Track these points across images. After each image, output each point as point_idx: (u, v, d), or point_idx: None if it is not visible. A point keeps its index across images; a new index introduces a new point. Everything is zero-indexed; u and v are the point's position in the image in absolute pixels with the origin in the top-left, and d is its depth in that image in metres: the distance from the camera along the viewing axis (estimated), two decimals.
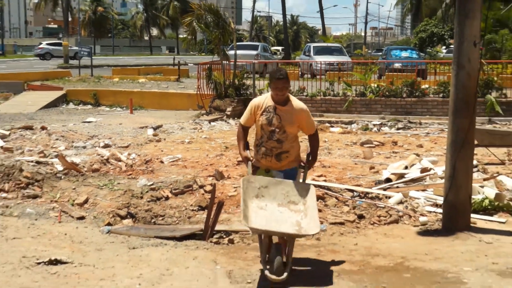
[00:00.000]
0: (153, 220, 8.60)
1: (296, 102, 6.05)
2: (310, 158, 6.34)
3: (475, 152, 8.72)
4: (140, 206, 9.02)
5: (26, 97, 23.82)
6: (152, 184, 10.08)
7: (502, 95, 19.64)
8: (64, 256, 6.47)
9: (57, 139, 14.94)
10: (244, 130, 6.11)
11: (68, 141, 14.70)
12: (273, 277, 5.14)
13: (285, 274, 5.26)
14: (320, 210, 8.66)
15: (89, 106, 23.35)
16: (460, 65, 7.77)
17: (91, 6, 75.58)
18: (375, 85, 21.89)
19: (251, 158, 6.01)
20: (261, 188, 5.71)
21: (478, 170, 10.50)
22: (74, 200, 9.23)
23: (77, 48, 47.01)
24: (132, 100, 21.90)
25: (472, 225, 7.96)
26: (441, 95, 19.73)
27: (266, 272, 5.23)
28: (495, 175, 10.66)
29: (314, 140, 6.30)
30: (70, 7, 62.61)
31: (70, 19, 61.24)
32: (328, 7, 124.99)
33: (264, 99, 6.04)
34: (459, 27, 7.79)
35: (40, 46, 60.57)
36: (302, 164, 6.33)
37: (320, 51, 34.30)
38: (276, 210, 5.82)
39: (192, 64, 35.79)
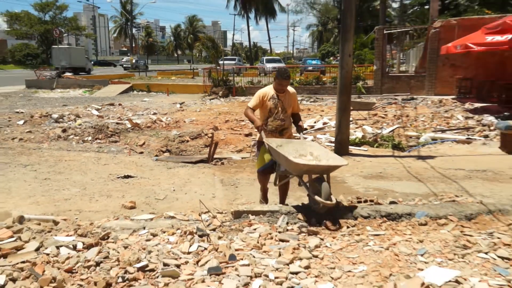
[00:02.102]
0: (180, 153, 9.16)
1: (289, 88, 5.36)
2: (299, 124, 5.42)
3: (351, 113, 9.09)
4: (173, 146, 9.63)
5: (110, 88, 25.89)
6: (179, 134, 10.70)
7: (364, 83, 21.77)
8: (132, 173, 7.16)
9: (127, 110, 16.03)
10: (252, 111, 5.22)
11: (133, 111, 15.79)
12: (328, 202, 4.31)
13: (334, 199, 4.46)
14: None
15: (145, 92, 25.37)
16: (342, 67, 8.35)
17: (145, 38, 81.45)
18: (298, 79, 24.84)
19: (264, 127, 5.15)
20: (277, 146, 4.87)
21: (352, 123, 11.04)
22: (137, 143, 9.94)
23: (138, 61, 51.15)
24: (168, 89, 24.98)
25: (350, 152, 8.44)
26: (333, 84, 21.91)
27: (320, 199, 4.33)
28: (362, 125, 11.42)
29: (299, 116, 5.50)
30: (134, 38, 64.09)
31: (133, 45, 62.36)
32: (272, 37, 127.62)
33: (269, 90, 5.29)
34: (342, 47, 8.30)
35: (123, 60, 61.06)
36: (298, 130, 5.44)
37: (269, 61, 39.18)
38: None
39: (200, 69, 36.99)
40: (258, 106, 5.27)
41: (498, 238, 3.94)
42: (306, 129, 5.33)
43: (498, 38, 12.22)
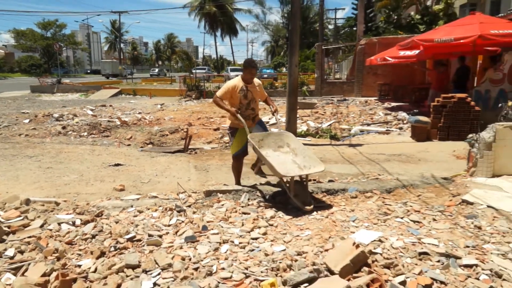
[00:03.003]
0: (161, 145, 8.94)
1: (255, 80, 4.87)
2: (273, 109, 4.96)
3: (298, 112, 9.13)
4: (155, 139, 9.41)
5: (102, 92, 24.96)
6: (160, 129, 10.42)
7: (308, 88, 21.86)
8: (121, 161, 6.93)
9: (117, 110, 15.41)
10: (221, 100, 4.71)
11: (122, 111, 15.16)
12: (307, 207, 3.97)
13: (312, 203, 4.11)
14: None
15: (131, 96, 24.57)
16: (291, 75, 8.38)
17: (131, 51, 79.34)
18: None
19: (238, 111, 4.66)
20: (259, 141, 4.52)
21: (299, 119, 10.84)
22: (125, 137, 9.64)
23: (125, 70, 49.89)
24: (150, 93, 24.06)
25: None
26: (283, 88, 21.45)
27: (300, 204, 4.01)
28: (306, 121, 11.38)
29: (269, 99, 5.08)
30: (122, 51, 62.40)
31: (122, 56, 60.50)
32: (235, 50, 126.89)
33: (238, 82, 4.74)
34: (290, 59, 8.34)
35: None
36: (273, 113, 5.01)
37: (232, 70, 38.62)
38: (274, 155, 4.47)
39: (177, 76, 36.28)
40: (227, 96, 4.74)
41: (411, 206, 4.07)
42: (277, 110, 5.02)
43: (408, 53, 12.58)
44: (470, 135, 5.04)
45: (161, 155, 7.68)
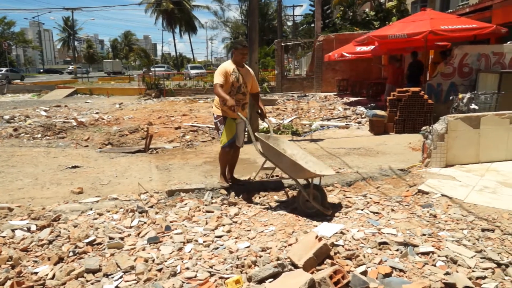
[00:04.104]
0: (121, 145, 8.70)
1: (247, 66, 4.60)
2: (260, 110, 4.67)
3: None
4: (114, 139, 9.12)
5: (56, 92, 24.07)
6: (119, 129, 10.11)
7: (269, 84, 21.86)
8: (79, 163, 6.69)
9: (73, 111, 14.81)
10: (221, 88, 4.23)
11: (78, 111, 14.60)
12: (329, 211, 3.69)
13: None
14: (195, 136, 9.18)
15: (88, 95, 23.73)
16: None
17: (86, 49, 74.51)
18: None
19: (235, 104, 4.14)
20: (283, 149, 4.15)
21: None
22: (82, 138, 9.29)
23: (80, 68, 48.75)
24: (108, 92, 23.37)
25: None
26: None
27: (323, 209, 3.67)
28: (268, 117, 11.34)
29: (259, 96, 4.78)
30: (76, 50, 59.81)
31: (76, 55, 57.93)
32: (195, 48, 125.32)
33: (229, 65, 4.40)
34: (249, 56, 8.09)
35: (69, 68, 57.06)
36: (259, 112, 4.71)
37: (192, 68, 38.45)
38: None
39: (136, 75, 35.35)
40: (224, 82, 4.34)
41: (370, 198, 4.19)
42: (266, 114, 4.73)
43: (364, 48, 12.95)
44: (424, 128, 5.26)
45: (121, 155, 7.48)
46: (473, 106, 7.35)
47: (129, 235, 3.38)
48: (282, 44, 21.78)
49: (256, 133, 4.23)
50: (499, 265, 2.66)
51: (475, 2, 12.05)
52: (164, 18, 56.07)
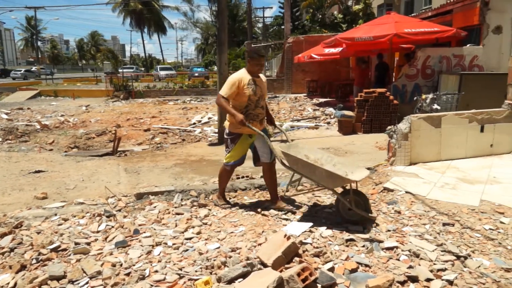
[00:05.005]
0: (87, 148, 8.53)
1: (261, 75, 4.02)
2: (269, 117, 4.30)
3: None
4: (80, 142, 8.94)
5: (18, 94, 23.03)
6: (86, 132, 9.92)
7: None
8: (43, 168, 6.54)
9: (36, 113, 14.36)
10: (227, 102, 3.73)
11: (42, 114, 14.18)
12: (373, 216, 3.43)
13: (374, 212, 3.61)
14: (165, 138, 9.09)
15: (52, 97, 22.74)
16: (221, 73, 8.40)
17: (51, 50, 71.47)
18: (187, 83, 24.31)
19: (246, 119, 3.71)
20: (305, 156, 3.76)
21: None
22: (46, 142, 9.01)
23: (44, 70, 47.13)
24: (74, 94, 22.59)
25: None
26: (215, 86, 21.17)
27: (367, 215, 3.38)
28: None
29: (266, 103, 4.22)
30: (40, 50, 57.77)
31: (40, 55, 55.94)
32: (164, 49, 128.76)
33: (244, 75, 3.83)
34: (219, 57, 8.38)
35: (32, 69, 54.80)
36: (273, 124, 4.33)
37: (162, 69, 38.11)
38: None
39: (103, 76, 34.45)
40: (234, 95, 3.78)
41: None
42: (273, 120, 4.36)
43: (333, 50, 13.19)
44: (389, 127, 5.43)
45: (88, 159, 7.35)
46: (435, 106, 7.64)
47: (96, 240, 3.31)
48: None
49: (278, 147, 3.77)
50: (458, 257, 2.79)
51: (437, 6, 12.53)
52: (132, 18, 55.08)
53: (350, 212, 3.45)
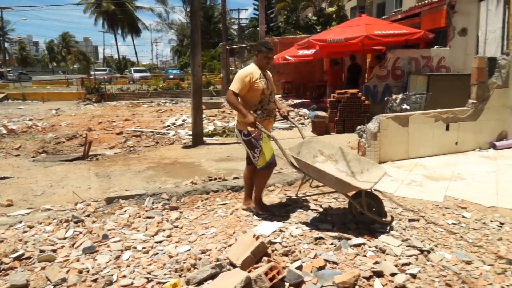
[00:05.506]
0: (57, 153, 8.28)
1: (267, 71, 3.82)
2: (285, 112, 4.02)
3: (205, 111, 9.17)
4: (49, 147, 8.68)
5: None
6: (55, 136, 9.65)
7: (215, 87, 22.03)
8: (9, 174, 6.37)
9: (2, 118, 13.91)
10: (237, 98, 3.53)
11: (9, 118, 13.73)
12: (388, 220, 3.34)
13: (389, 215, 3.46)
14: (138, 141, 8.99)
15: (20, 101, 22.09)
16: (194, 75, 8.36)
17: (19, 51, 69.10)
18: (161, 85, 24.00)
19: (256, 119, 3.54)
20: (297, 154, 3.66)
21: (205, 118, 11.18)
22: (12, 147, 8.71)
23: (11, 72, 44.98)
24: (43, 97, 22.07)
25: (204, 142, 8.42)
26: (190, 88, 21.31)
27: (380, 219, 3.27)
28: (213, 120, 11.43)
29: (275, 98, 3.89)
30: (7, 51, 56.02)
31: (7, 57, 54.16)
32: (139, 51, 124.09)
33: (254, 70, 3.63)
34: (192, 59, 8.35)
35: None
36: (281, 114, 4.01)
37: (136, 71, 37.84)
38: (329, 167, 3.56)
39: (75, 79, 33.56)
40: (245, 90, 3.57)
41: (310, 196, 4.33)
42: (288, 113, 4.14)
43: (306, 52, 13.34)
44: (358, 127, 5.55)
45: (57, 164, 7.16)
46: (405, 106, 7.83)
47: (62, 246, 3.24)
48: (227, 47, 21.87)
49: (287, 150, 3.59)
50: (422, 251, 2.88)
51: (407, 9, 12.87)
52: (105, 19, 54.10)
53: (363, 216, 3.34)
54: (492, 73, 5.90)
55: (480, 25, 8.89)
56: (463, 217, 3.51)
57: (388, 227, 3.28)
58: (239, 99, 3.61)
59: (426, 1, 10.83)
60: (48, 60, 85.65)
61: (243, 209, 3.95)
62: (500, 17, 8.27)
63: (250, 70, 3.63)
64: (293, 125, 4.11)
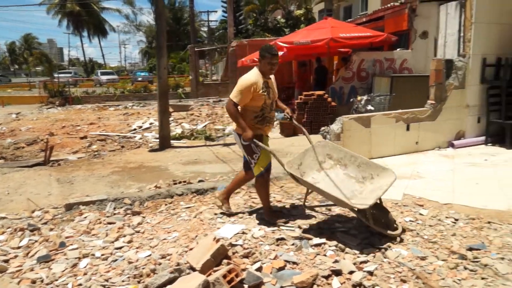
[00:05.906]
0: (16, 159, 7.95)
1: (271, 76, 3.70)
2: (290, 114, 3.90)
3: (173, 114, 9.07)
4: (8, 152, 8.33)
5: None
6: (14, 141, 9.28)
7: (184, 90, 22.02)
8: None
9: None
10: (237, 110, 3.48)
11: None
12: (396, 233, 3.15)
13: (399, 226, 3.27)
14: (103, 145, 8.79)
15: None
16: (160, 77, 8.25)
17: None
18: (129, 88, 23.77)
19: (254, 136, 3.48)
20: (299, 167, 3.54)
21: (173, 121, 11.14)
22: None
23: None
24: (3, 101, 21.16)
25: (171, 145, 8.29)
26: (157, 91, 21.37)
27: (385, 231, 3.11)
28: (181, 123, 11.32)
29: (279, 101, 3.92)
30: None
31: None
32: (106, 53, 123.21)
33: (257, 78, 3.50)
34: (158, 61, 8.20)
35: None
36: (286, 115, 3.91)
37: (103, 73, 37.23)
38: (322, 179, 3.46)
39: (37, 81, 32.36)
40: (246, 101, 3.46)
41: (274, 197, 4.36)
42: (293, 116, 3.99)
43: None
44: (322, 128, 5.64)
45: (16, 170, 6.86)
46: (369, 107, 8.04)
47: (15, 256, 3.13)
48: (196, 49, 21.74)
49: (286, 165, 3.43)
50: (379, 249, 2.96)
51: (371, 12, 13.20)
52: (70, 20, 52.63)
53: (369, 228, 3.22)
54: (449, 74, 6.14)
55: (440, 28, 9.21)
56: (420, 214, 3.63)
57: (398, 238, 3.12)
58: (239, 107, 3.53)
59: (390, 5, 11.16)
60: (9, 62, 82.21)
61: (216, 198, 4.04)
62: (458, 20, 8.63)
63: (254, 80, 3.47)
64: (297, 125, 4.08)
